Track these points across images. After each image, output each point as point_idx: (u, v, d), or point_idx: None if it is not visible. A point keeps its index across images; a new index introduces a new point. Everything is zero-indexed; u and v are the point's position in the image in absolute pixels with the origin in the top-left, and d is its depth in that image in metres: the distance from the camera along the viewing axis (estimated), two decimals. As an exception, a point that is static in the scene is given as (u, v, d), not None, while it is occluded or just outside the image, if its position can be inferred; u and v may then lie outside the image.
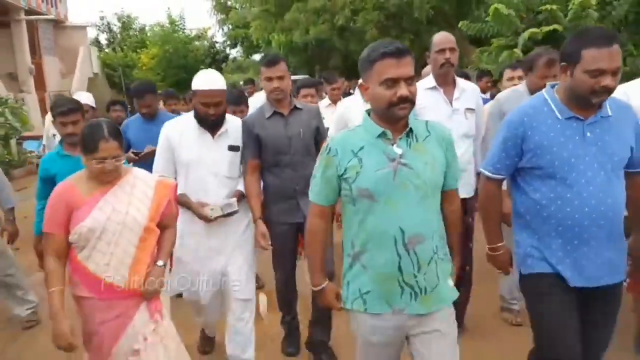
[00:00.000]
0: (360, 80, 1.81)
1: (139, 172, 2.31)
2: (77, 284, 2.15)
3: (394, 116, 1.71)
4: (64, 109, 2.95)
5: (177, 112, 4.84)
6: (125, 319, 2.17)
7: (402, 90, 1.66)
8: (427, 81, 2.94)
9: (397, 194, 1.71)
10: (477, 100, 3.05)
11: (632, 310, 2.83)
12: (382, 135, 1.75)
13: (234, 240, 2.87)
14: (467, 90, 3.01)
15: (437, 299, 1.79)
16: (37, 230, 3.12)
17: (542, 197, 1.96)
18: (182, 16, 29.14)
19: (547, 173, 1.93)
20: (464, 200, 2.87)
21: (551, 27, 7.95)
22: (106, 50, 29.60)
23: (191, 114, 2.83)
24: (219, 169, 2.81)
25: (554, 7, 8.05)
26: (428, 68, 3.68)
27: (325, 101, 5.03)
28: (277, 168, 2.88)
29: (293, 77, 5.63)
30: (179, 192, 2.73)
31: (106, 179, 2.14)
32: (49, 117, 6.41)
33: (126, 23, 31.63)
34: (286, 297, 3.14)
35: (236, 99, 3.83)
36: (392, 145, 1.75)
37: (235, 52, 26.84)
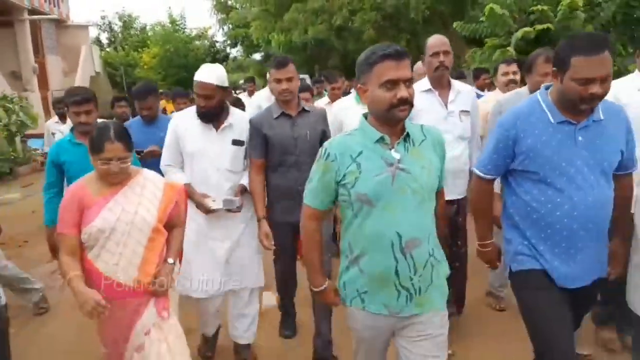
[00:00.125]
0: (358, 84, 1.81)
1: (148, 173, 2.33)
2: (88, 283, 2.14)
3: (393, 118, 1.71)
4: (78, 98, 2.97)
5: None
6: (135, 316, 2.19)
7: (402, 91, 1.67)
8: (422, 84, 2.92)
9: (396, 199, 1.72)
10: (472, 103, 3.06)
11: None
12: (381, 140, 1.74)
13: (236, 234, 2.89)
14: (462, 92, 3.01)
15: (430, 299, 1.81)
16: (46, 221, 3.13)
17: (533, 199, 1.97)
18: (182, 16, 29.49)
19: (538, 176, 1.94)
20: (457, 200, 2.95)
21: (544, 26, 8.11)
22: (107, 49, 29.73)
23: None
24: (221, 162, 2.83)
25: (545, 7, 8.23)
26: (419, 66, 3.76)
27: (325, 99, 5.04)
28: (283, 168, 2.90)
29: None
30: (185, 182, 2.79)
31: (113, 179, 2.15)
32: (52, 121, 6.54)
33: (127, 22, 31.74)
34: (286, 286, 3.25)
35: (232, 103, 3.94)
36: (390, 149, 1.75)
37: (235, 52, 26.95)
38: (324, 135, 2.94)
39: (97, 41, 29.56)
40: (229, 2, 20.36)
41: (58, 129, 5.02)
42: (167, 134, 2.91)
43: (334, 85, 4.79)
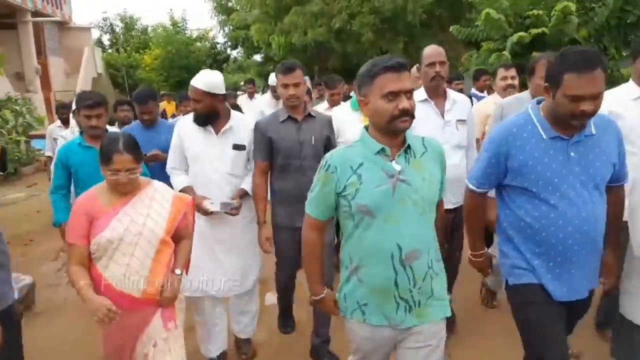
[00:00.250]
0: (358, 96, 1.81)
1: (158, 185, 2.33)
2: (96, 293, 2.14)
3: (395, 129, 1.71)
4: (90, 102, 2.99)
5: None
6: (141, 327, 2.20)
7: (404, 103, 1.68)
8: (418, 94, 2.89)
9: (396, 210, 1.72)
10: (468, 112, 3.07)
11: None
12: (381, 151, 1.75)
13: (236, 237, 2.93)
14: (458, 101, 3.02)
15: (429, 312, 1.81)
16: (57, 219, 3.12)
17: (527, 214, 1.97)
18: (184, 17, 29.59)
19: (532, 192, 1.94)
20: (455, 209, 2.93)
21: (539, 30, 8.22)
22: (109, 51, 29.86)
23: None
24: (221, 166, 2.86)
25: (540, 12, 8.34)
26: (413, 70, 3.76)
27: (324, 105, 5.06)
28: (287, 172, 2.91)
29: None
30: (186, 184, 2.87)
31: (121, 190, 2.17)
32: (55, 125, 6.48)
33: (129, 24, 31.82)
34: (285, 291, 3.26)
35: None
36: (391, 161, 1.75)
37: (236, 53, 27.00)
38: (329, 141, 2.96)
39: (99, 43, 29.71)
40: (230, 4, 20.43)
41: (60, 134, 4.96)
42: (173, 137, 2.97)
43: (333, 92, 4.73)
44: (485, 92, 5.81)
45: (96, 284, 2.13)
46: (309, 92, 5.25)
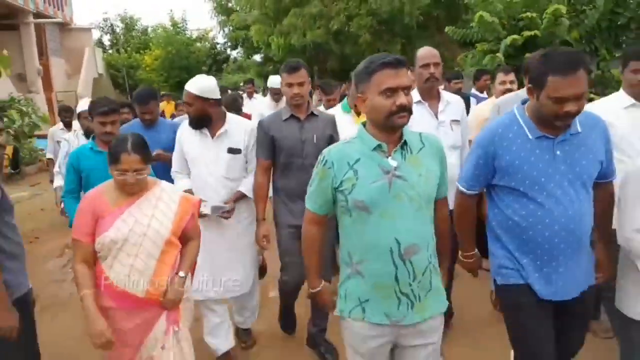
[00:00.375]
0: (349, 90, 1.86)
1: (166, 185, 2.34)
2: (100, 292, 2.16)
3: (393, 125, 1.72)
4: (106, 109, 3.04)
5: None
6: (147, 328, 2.18)
7: (401, 99, 1.68)
8: (412, 95, 2.96)
9: (392, 206, 1.72)
10: (461, 112, 3.08)
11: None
12: (378, 147, 1.75)
13: (233, 238, 2.97)
14: (452, 102, 3.03)
15: (430, 306, 1.82)
16: (71, 224, 3.30)
17: (514, 213, 1.98)
18: (184, 18, 29.65)
19: (519, 191, 1.95)
20: (451, 210, 2.99)
21: (531, 33, 8.33)
22: (109, 51, 29.96)
23: None
24: (216, 169, 2.90)
25: (534, 14, 8.45)
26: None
27: (321, 109, 5.22)
28: (290, 171, 2.92)
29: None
30: (187, 187, 2.90)
31: (129, 190, 2.17)
32: (57, 128, 6.43)
33: (129, 24, 31.88)
34: (288, 296, 3.17)
35: (225, 105, 4.05)
36: (387, 157, 1.75)
37: (235, 53, 27.07)
38: (332, 140, 2.95)
39: (100, 43, 29.76)
40: (230, 5, 20.52)
41: (63, 137, 5.00)
42: (176, 142, 3.05)
43: (330, 97, 4.70)
44: (485, 92, 5.87)
45: (100, 283, 2.14)
46: (310, 94, 5.36)
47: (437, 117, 2.96)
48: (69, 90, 18.29)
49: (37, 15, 17.94)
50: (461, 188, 2.16)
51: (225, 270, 2.96)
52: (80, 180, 3.12)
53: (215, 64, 26.74)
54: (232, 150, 2.92)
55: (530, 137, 1.93)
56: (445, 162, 1.89)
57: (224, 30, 22.11)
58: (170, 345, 2.19)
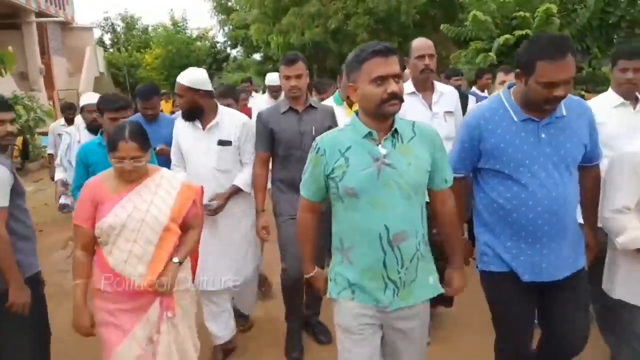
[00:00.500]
0: (339, 82, 1.88)
1: (166, 172, 2.34)
2: (97, 276, 2.17)
3: (384, 113, 1.73)
4: (117, 105, 3.02)
5: None
6: (139, 313, 2.19)
7: (392, 86, 1.69)
8: (406, 87, 2.80)
9: (381, 193, 1.74)
10: (455, 103, 3.07)
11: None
12: (368, 135, 1.77)
13: (229, 231, 2.97)
14: (445, 93, 3.02)
15: (413, 293, 1.83)
16: None
17: (499, 196, 2.00)
18: (184, 17, 29.81)
19: (504, 174, 1.97)
20: None
21: (523, 32, 8.53)
22: (110, 50, 30.13)
23: None
24: (208, 161, 2.89)
25: (526, 14, 8.64)
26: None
27: None
28: (289, 162, 2.92)
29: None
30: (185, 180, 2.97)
31: (127, 177, 2.17)
32: (58, 123, 6.47)
33: (130, 23, 32.02)
34: (292, 296, 3.06)
35: (222, 93, 4.11)
36: (377, 145, 1.77)
37: (235, 52, 27.18)
38: None
39: (101, 42, 29.92)
40: (230, 4, 20.62)
41: (65, 130, 4.96)
42: (173, 135, 3.07)
43: (323, 97, 4.69)
44: (486, 91, 5.94)
45: (99, 267, 2.17)
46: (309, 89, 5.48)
47: (431, 109, 2.98)
48: (70, 88, 18.40)
49: (39, 14, 18.12)
50: None
51: (225, 270, 2.98)
52: (88, 176, 3.15)
53: (215, 62, 26.87)
54: (223, 142, 2.92)
55: (515, 119, 1.95)
56: (443, 150, 1.89)
57: (223, 30, 22.26)
58: (166, 329, 2.21)
